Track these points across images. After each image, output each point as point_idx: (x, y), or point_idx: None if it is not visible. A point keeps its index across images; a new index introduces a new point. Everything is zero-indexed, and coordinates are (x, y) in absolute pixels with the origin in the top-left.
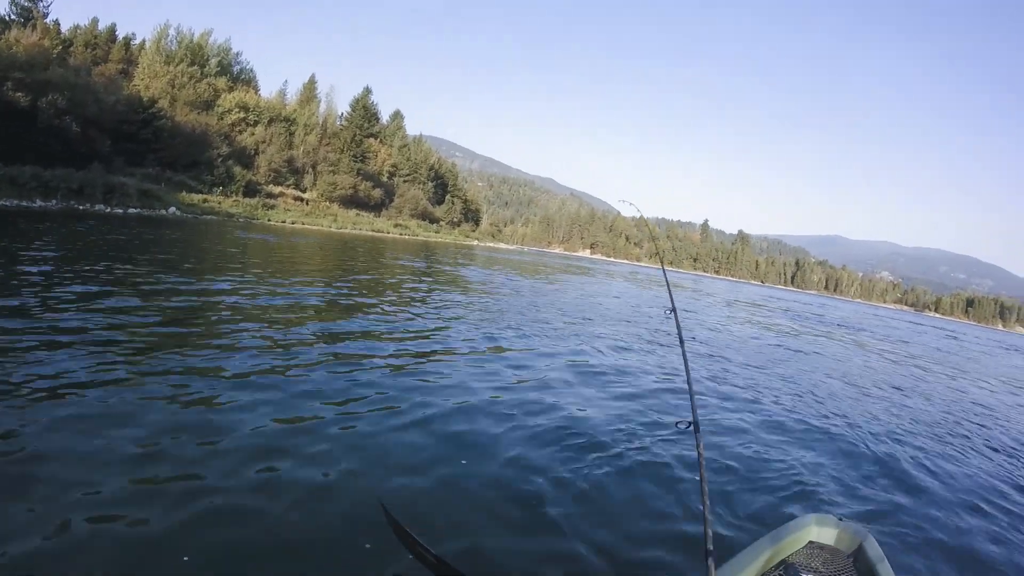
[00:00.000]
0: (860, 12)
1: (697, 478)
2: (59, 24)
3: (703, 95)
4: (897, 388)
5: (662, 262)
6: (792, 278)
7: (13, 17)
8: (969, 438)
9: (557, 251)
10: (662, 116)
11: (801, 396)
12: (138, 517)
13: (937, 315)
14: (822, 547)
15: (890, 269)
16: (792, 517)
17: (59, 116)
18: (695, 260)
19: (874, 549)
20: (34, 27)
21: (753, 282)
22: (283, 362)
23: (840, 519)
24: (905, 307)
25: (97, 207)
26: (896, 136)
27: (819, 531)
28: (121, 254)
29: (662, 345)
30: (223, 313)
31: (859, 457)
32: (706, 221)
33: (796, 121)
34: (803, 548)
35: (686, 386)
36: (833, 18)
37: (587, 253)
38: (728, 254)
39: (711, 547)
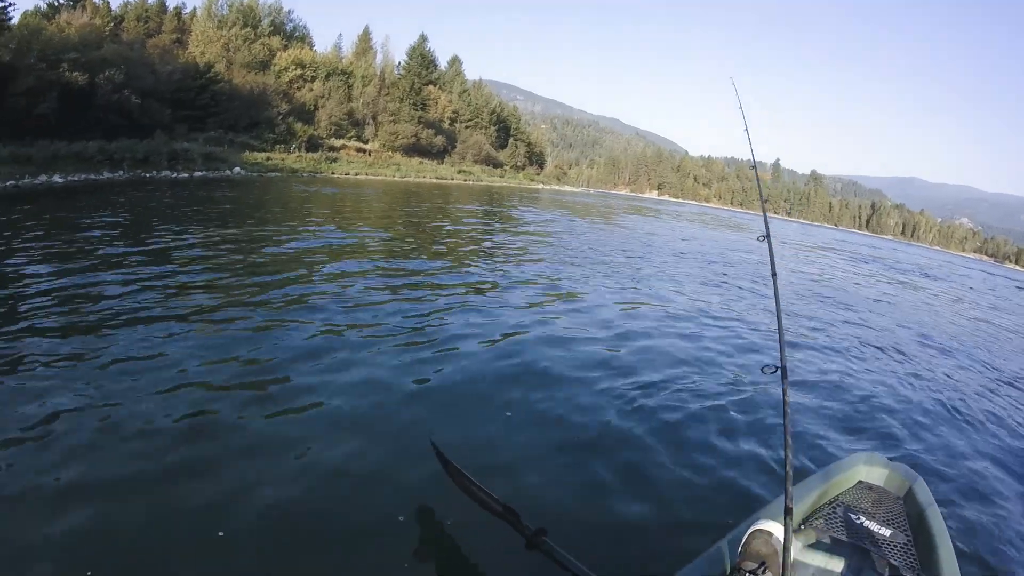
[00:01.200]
0: None
1: (781, 422)
2: (109, 3)
3: (769, 30)
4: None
5: (763, 209)
6: (867, 222)
7: (63, 1)
8: None
9: (624, 192)
10: (729, 53)
11: (882, 348)
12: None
13: (1018, 267)
14: (871, 487)
15: (969, 215)
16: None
17: (117, 91)
18: (766, 201)
19: (924, 493)
20: (84, 8)
21: (826, 225)
22: (354, 293)
23: (890, 460)
24: (984, 257)
25: (163, 173)
26: (977, 71)
27: (868, 471)
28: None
29: (740, 288)
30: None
31: (924, 404)
32: (777, 160)
33: (869, 55)
34: (853, 487)
35: (770, 327)
36: None
37: (654, 194)
38: (801, 195)
39: (790, 504)
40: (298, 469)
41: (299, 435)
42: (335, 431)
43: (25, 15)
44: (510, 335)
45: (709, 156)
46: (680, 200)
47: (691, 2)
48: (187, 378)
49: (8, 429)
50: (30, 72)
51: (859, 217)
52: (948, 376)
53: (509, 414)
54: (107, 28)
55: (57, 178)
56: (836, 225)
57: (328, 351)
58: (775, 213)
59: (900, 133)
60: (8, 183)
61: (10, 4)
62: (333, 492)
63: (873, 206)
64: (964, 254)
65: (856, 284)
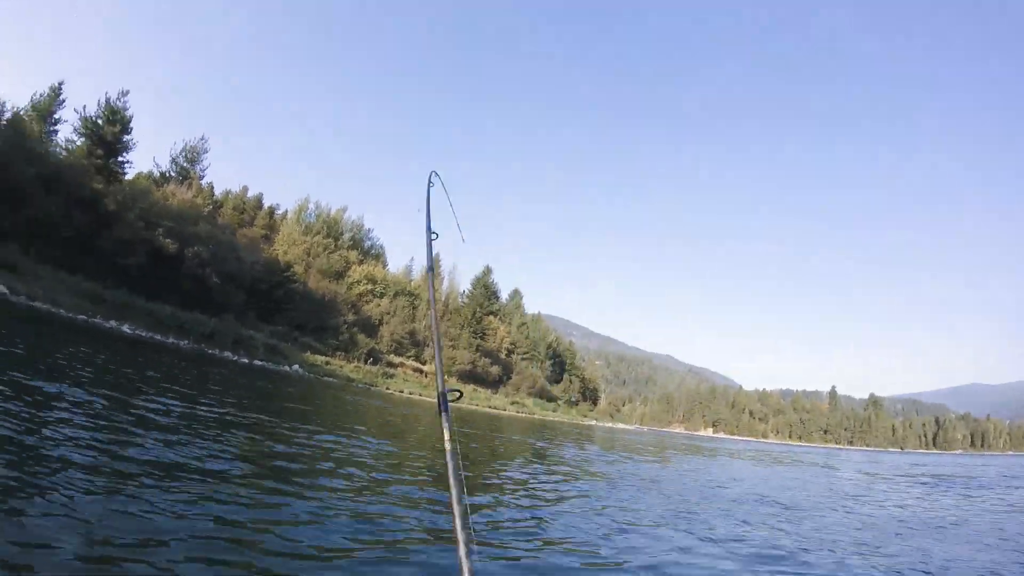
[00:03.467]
0: None
1: None
2: (212, 187)
3: (803, 264)
4: None
5: None
6: (934, 439)
7: (172, 174)
8: None
9: (678, 430)
10: (775, 287)
11: None
12: None
13: None
14: None
15: None
16: None
17: (202, 266)
18: (825, 432)
19: None
20: (189, 185)
21: (891, 449)
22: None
23: None
24: None
25: (225, 353)
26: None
27: None
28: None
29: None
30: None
31: None
32: (833, 388)
33: (913, 271)
34: None
35: None
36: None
37: (709, 431)
38: (860, 421)
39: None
40: None
41: None
42: None
43: (138, 176)
44: None
45: (763, 389)
46: (735, 436)
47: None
48: None
49: None
50: (129, 227)
51: (924, 436)
52: None
53: None
54: (206, 208)
55: (126, 328)
56: (902, 448)
57: None
58: (836, 443)
59: (952, 341)
60: (79, 316)
61: (128, 162)
62: None
63: (937, 421)
64: None
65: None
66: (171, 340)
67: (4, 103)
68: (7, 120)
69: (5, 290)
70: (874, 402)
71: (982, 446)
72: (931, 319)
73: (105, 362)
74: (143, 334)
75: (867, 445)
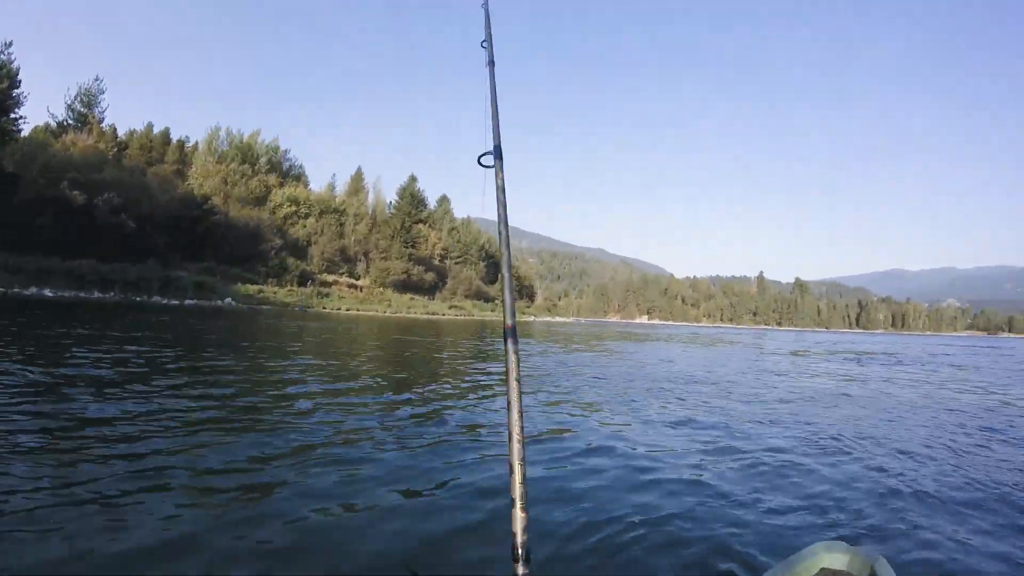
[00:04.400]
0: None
1: None
2: (115, 128)
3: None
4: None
5: None
6: (857, 319)
7: (70, 122)
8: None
9: (614, 320)
10: (703, 173)
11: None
12: None
13: (1012, 335)
14: (835, 573)
15: (956, 295)
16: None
17: (115, 213)
18: (754, 314)
19: (887, 572)
20: (90, 131)
21: (818, 329)
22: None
23: (849, 545)
24: (977, 332)
25: (154, 299)
26: (941, 147)
27: (829, 558)
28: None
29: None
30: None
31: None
32: (761, 273)
33: (842, 157)
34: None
35: None
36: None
37: (645, 319)
38: (788, 303)
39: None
40: None
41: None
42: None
43: (35, 130)
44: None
45: (694, 276)
46: (669, 322)
47: (666, 143)
48: None
49: None
50: (32, 186)
51: (848, 316)
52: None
53: None
54: (110, 152)
55: (48, 291)
56: (827, 328)
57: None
58: (766, 324)
59: (876, 228)
60: None
61: (21, 117)
62: None
63: (860, 303)
64: (957, 333)
65: (815, 377)
66: (96, 295)
67: None
68: None
69: None
70: (800, 285)
71: (902, 327)
72: (854, 205)
73: (25, 329)
74: (66, 294)
75: (794, 326)
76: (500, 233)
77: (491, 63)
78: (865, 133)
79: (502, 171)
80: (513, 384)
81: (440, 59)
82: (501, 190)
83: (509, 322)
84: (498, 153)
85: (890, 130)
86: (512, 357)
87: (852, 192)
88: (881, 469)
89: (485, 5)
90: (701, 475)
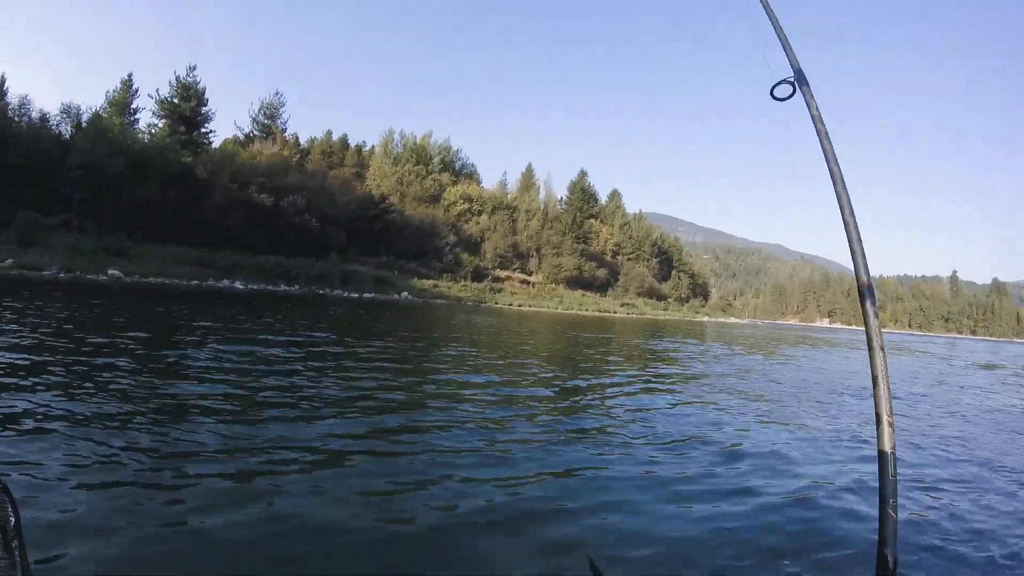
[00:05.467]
0: None
1: None
2: (298, 137)
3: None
4: None
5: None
6: None
7: (256, 133)
8: None
9: (792, 322)
10: (896, 163)
11: None
12: None
13: None
14: None
15: None
16: None
17: (299, 214)
18: (946, 320)
19: None
20: (274, 140)
21: (1016, 340)
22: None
23: None
24: None
25: (336, 291)
26: None
27: None
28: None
29: None
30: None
31: None
32: (954, 272)
33: None
34: None
35: None
36: None
37: (825, 322)
38: (984, 308)
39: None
40: None
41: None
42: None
43: (225, 142)
44: None
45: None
46: (853, 327)
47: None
48: None
49: None
50: (222, 191)
51: None
52: None
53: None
54: (294, 159)
55: (238, 284)
56: None
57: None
58: (958, 332)
59: None
60: (192, 282)
61: (211, 131)
62: None
63: None
64: None
65: None
66: (282, 287)
67: (79, 106)
68: (87, 120)
69: (119, 274)
70: (998, 287)
71: None
72: None
73: (231, 317)
74: (255, 287)
75: (991, 335)
76: (832, 171)
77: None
78: None
79: (812, 97)
80: (878, 354)
81: (606, 52)
82: (818, 119)
83: (864, 278)
84: (800, 77)
85: None
86: (873, 321)
87: None
88: None
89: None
90: None
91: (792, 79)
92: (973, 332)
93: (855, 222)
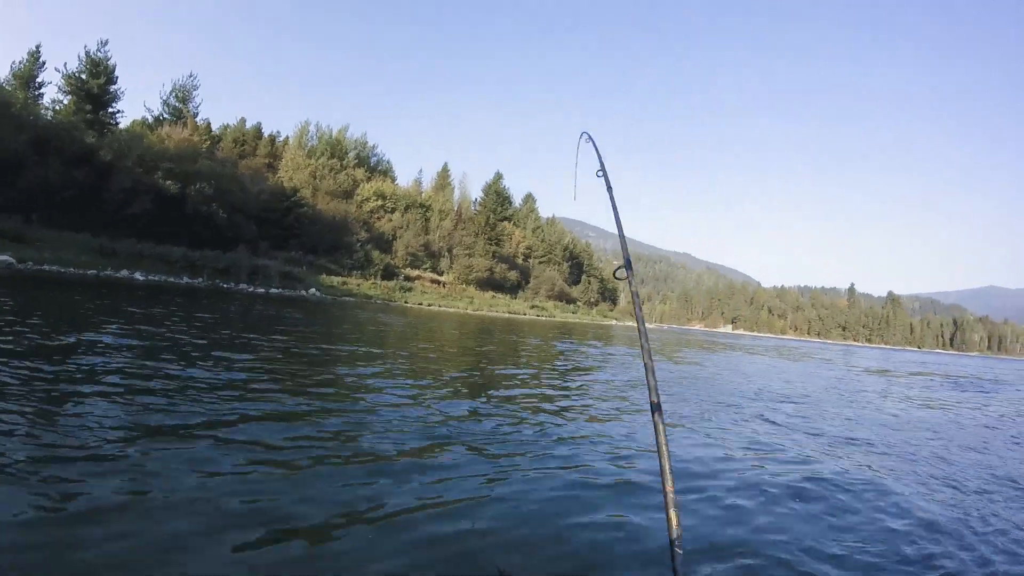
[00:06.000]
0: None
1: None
2: (209, 123)
3: (837, 158)
4: None
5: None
6: (951, 340)
7: (166, 116)
8: None
9: (698, 328)
10: (797, 181)
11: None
12: None
13: None
14: None
15: None
16: None
17: (206, 203)
18: (843, 329)
19: None
20: (184, 124)
21: (909, 348)
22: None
23: None
24: None
25: (241, 286)
26: None
27: None
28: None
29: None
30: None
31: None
32: (852, 285)
33: (934, 170)
34: None
35: None
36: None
37: (728, 328)
38: (879, 319)
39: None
40: None
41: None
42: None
43: (133, 123)
44: None
45: (782, 286)
46: (755, 333)
47: (762, 145)
48: None
49: None
50: (128, 175)
51: (942, 336)
52: None
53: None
54: (204, 145)
55: (138, 275)
56: (919, 347)
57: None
58: (855, 340)
59: (972, 242)
60: (90, 272)
61: (118, 111)
62: None
63: (956, 322)
64: None
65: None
66: (185, 280)
67: None
68: None
69: (11, 260)
70: (892, 300)
71: (999, 349)
72: (951, 220)
73: (113, 309)
74: (155, 278)
75: (885, 343)
76: (640, 332)
77: (609, 188)
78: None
79: (634, 279)
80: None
81: (525, 58)
82: (636, 294)
83: (654, 398)
84: (628, 264)
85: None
86: (662, 438)
87: (948, 203)
88: None
89: (590, 139)
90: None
91: (624, 265)
92: (868, 340)
93: (649, 353)
